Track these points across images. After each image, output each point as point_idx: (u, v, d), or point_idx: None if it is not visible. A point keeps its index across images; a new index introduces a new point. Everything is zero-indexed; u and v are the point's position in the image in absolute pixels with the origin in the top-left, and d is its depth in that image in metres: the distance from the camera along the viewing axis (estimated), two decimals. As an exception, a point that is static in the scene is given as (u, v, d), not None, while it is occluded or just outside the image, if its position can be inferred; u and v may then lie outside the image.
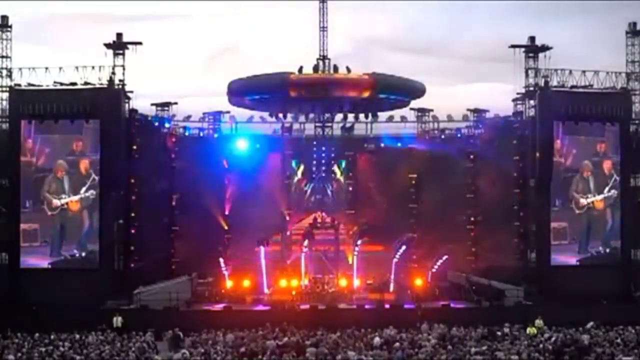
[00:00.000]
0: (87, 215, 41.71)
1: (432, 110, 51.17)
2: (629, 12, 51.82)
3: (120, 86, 42.32)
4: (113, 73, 42.08)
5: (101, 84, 41.77)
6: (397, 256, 45.47)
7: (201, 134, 50.51)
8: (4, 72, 43.07)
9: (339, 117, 49.83)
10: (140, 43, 42.74)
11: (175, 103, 48.34)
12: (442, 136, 51.01)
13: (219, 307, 41.75)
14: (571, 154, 43.16)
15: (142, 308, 39.69)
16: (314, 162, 50.94)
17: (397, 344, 29.84)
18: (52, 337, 31.86)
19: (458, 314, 39.12)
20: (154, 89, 54.06)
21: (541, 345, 29.06)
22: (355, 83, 45.92)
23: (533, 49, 43.53)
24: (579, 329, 33.48)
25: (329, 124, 50.06)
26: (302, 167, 51.52)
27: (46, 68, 41.75)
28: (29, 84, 42.16)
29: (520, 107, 45.89)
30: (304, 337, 31.17)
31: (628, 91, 44.50)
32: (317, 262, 47.01)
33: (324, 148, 50.59)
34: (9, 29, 43.48)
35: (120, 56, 42.38)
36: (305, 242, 45.80)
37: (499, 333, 32.79)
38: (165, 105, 48.05)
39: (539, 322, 35.47)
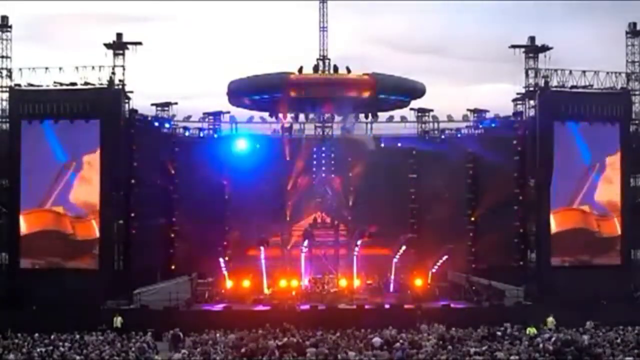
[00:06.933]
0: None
1: (432, 110, 51.18)
2: (629, 12, 51.77)
3: (120, 86, 42.32)
4: (113, 73, 42.08)
5: (101, 84, 41.79)
6: (397, 256, 45.46)
7: (201, 134, 50.52)
8: (4, 72, 43.10)
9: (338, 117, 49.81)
10: (140, 43, 42.75)
11: (175, 103, 48.41)
12: (442, 136, 51.01)
13: (219, 307, 41.79)
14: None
15: (142, 308, 39.75)
16: (314, 162, 50.91)
17: (397, 344, 29.85)
18: (52, 337, 31.85)
19: (458, 314, 39.17)
20: (154, 89, 54.15)
21: (541, 346, 29.06)
22: (355, 83, 45.86)
23: (533, 49, 43.55)
24: (579, 329, 33.52)
25: (329, 125, 50.07)
26: (302, 168, 51.39)
27: (46, 68, 41.79)
28: (29, 84, 42.17)
29: (520, 107, 45.93)
30: (304, 338, 31.17)
31: (628, 91, 44.49)
32: (317, 262, 46.99)
33: (324, 148, 50.59)
34: (9, 29, 43.49)
35: (121, 56, 42.38)
36: (305, 242, 45.78)
37: (499, 333, 32.81)
38: (165, 105, 48.04)
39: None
